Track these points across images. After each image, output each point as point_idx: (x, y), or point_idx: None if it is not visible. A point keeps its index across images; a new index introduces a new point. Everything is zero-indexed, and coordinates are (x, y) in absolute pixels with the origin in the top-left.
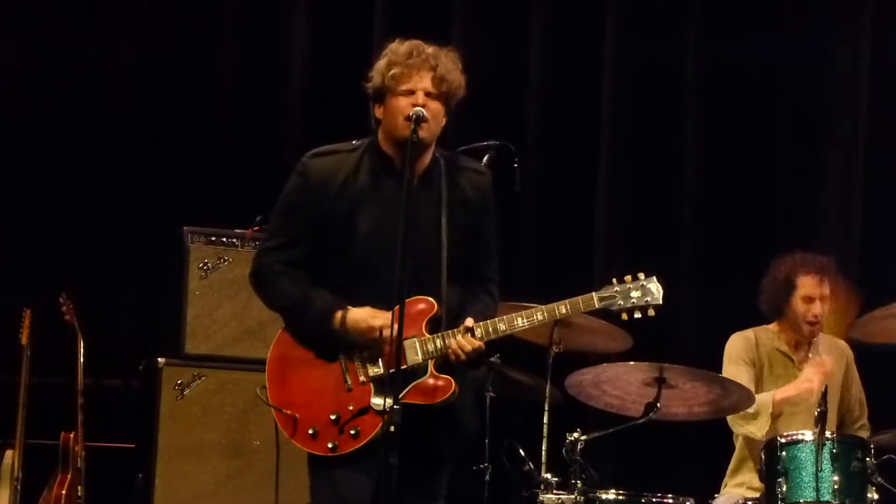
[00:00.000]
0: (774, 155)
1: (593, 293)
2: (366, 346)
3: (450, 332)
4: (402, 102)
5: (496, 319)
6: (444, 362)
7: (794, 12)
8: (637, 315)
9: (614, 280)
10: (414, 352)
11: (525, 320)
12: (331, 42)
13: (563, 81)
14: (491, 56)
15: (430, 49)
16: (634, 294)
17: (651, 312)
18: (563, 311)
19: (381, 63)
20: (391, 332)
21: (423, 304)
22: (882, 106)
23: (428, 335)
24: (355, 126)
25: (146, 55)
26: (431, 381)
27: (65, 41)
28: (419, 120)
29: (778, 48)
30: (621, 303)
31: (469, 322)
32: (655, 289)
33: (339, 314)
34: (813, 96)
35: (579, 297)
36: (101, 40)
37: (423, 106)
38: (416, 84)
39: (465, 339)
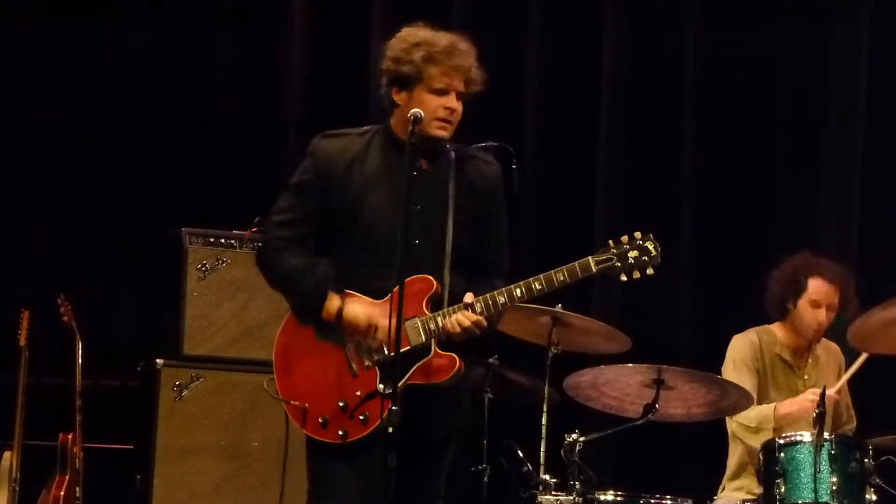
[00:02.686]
0: (773, 155)
1: (589, 257)
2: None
3: (450, 308)
4: (434, 102)
5: (495, 292)
6: (448, 340)
7: (793, 6)
8: (636, 275)
9: (610, 242)
10: (416, 332)
11: (524, 290)
12: (329, 42)
13: (561, 80)
14: (489, 55)
15: (463, 46)
16: (632, 255)
17: (650, 271)
18: (561, 277)
19: (417, 54)
20: (389, 324)
21: (423, 283)
22: (881, 104)
23: (429, 314)
24: (353, 125)
25: (144, 54)
26: (435, 360)
27: (62, 40)
28: (417, 121)
29: (777, 42)
30: (619, 265)
31: (468, 297)
32: (653, 247)
33: (334, 302)
34: (812, 93)
35: (576, 263)
36: (98, 39)
37: (454, 110)
38: (454, 85)
39: (463, 315)
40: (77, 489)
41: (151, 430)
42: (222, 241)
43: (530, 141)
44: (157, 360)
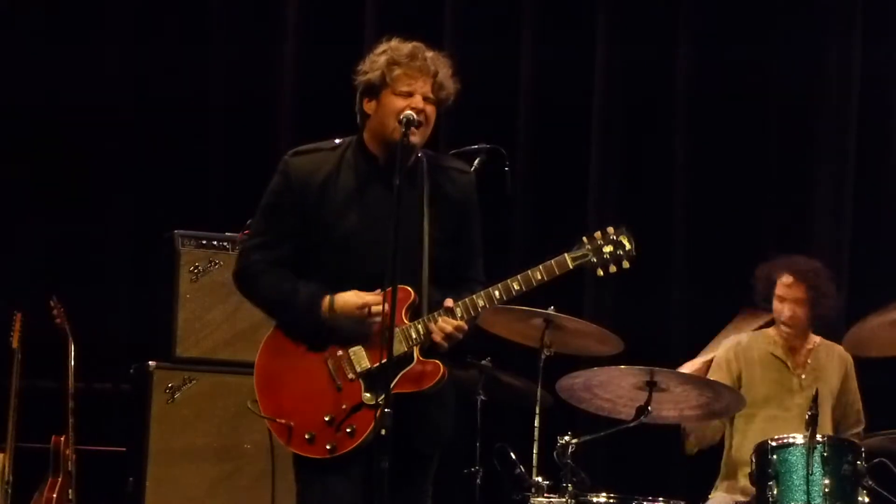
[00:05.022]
0: (765, 158)
1: (565, 254)
2: (353, 331)
3: (430, 315)
4: (400, 103)
5: (475, 296)
6: (430, 348)
7: (785, 16)
8: (612, 269)
9: (584, 238)
10: (398, 341)
11: (502, 291)
12: (321, 46)
13: (554, 85)
14: (482, 59)
15: (430, 53)
16: (606, 250)
17: (626, 265)
18: (539, 276)
19: (381, 59)
20: (383, 308)
21: (401, 294)
22: (872, 108)
23: (409, 323)
24: (345, 130)
25: (135, 58)
26: (419, 367)
27: (55, 41)
28: (410, 124)
29: (769, 52)
30: (594, 260)
31: (448, 303)
32: (627, 240)
33: (326, 300)
34: (804, 99)
35: (552, 260)
36: (90, 43)
37: (421, 110)
38: (418, 87)
39: (445, 321)
40: (70, 492)
41: (144, 432)
42: (215, 243)
43: (522, 144)
44: (150, 363)
